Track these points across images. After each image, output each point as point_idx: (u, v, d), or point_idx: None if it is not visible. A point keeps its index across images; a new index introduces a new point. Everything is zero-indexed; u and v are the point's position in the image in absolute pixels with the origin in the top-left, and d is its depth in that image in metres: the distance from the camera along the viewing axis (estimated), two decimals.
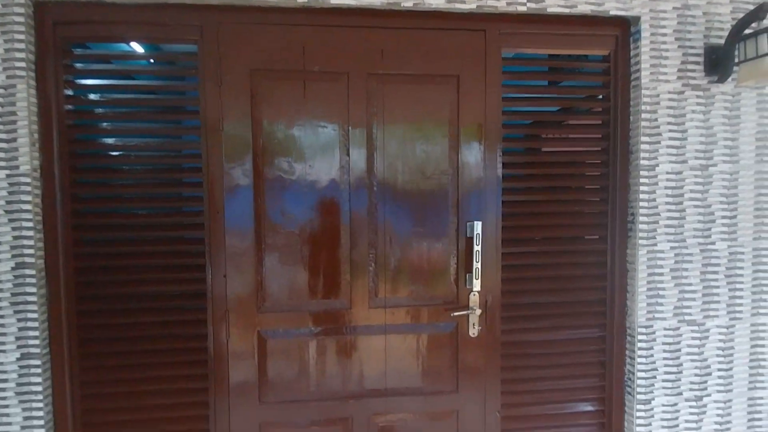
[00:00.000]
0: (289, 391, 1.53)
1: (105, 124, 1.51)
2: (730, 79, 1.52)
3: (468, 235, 1.53)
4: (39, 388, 1.38)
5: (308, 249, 1.50)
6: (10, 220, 1.34)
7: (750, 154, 1.57)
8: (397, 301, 1.54)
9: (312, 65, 1.46)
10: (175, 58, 1.55)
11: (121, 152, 1.49)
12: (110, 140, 1.50)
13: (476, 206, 1.54)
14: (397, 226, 1.52)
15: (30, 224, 1.35)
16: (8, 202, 1.34)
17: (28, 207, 1.35)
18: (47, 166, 1.40)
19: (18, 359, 1.37)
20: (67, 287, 1.43)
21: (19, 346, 1.37)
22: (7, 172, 1.34)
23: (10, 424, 1.38)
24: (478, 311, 1.55)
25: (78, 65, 1.47)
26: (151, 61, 1.87)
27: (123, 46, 1.70)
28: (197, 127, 1.46)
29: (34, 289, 1.36)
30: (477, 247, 1.51)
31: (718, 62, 1.50)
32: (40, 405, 1.39)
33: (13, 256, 1.35)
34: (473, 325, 1.55)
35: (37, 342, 1.37)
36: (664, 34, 1.52)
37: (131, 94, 1.58)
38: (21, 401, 1.38)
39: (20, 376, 1.37)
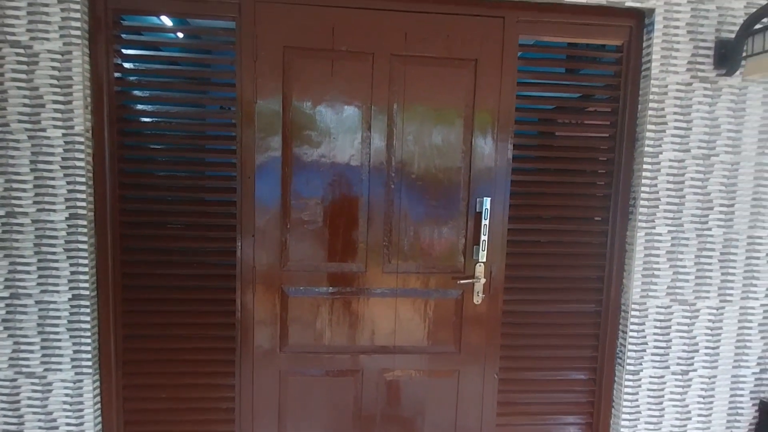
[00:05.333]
0: (306, 344, 1.69)
1: (148, 92, 1.64)
2: (738, 72, 1.58)
3: (477, 210, 1.64)
4: (87, 326, 1.56)
5: (329, 217, 1.64)
6: (66, 175, 1.50)
7: (752, 146, 1.65)
8: (408, 267, 1.68)
9: (340, 45, 1.57)
10: (215, 33, 1.66)
11: (162, 119, 1.63)
12: (152, 107, 1.64)
13: (486, 184, 1.65)
14: (412, 199, 1.65)
15: (83, 179, 1.51)
16: (64, 159, 1.49)
17: (82, 164, 1.50)
18: (98, 128, 1.55)
19: (69, 299, 1.54)
20: (113, 238, 1.59)
21: (71, 288, 1.54)
22: (63, 131, 1.48)
23: (61, 356, 1.56)
24: (483, 280, 1.67)
25: (125, 36, 1.60)
26: (194, 38, 2.00)
27: (165, 19, 1.83)
28: (233, 99, 1.58)
29: (85, 238, 1.53)
30: (485, 221, 1.63)
31: (727, 56, 1.57)
32: (88, 341, 1.56)
33: (68, 207, 1.51)
34: (478, 293, 1.68)
35: (87, 285, 1.54)
36: (677, 27, 1.59)
37: (173, 66, 1.71)
38: (72, 336, 1.56)
39: (71, 314, 1.55)
